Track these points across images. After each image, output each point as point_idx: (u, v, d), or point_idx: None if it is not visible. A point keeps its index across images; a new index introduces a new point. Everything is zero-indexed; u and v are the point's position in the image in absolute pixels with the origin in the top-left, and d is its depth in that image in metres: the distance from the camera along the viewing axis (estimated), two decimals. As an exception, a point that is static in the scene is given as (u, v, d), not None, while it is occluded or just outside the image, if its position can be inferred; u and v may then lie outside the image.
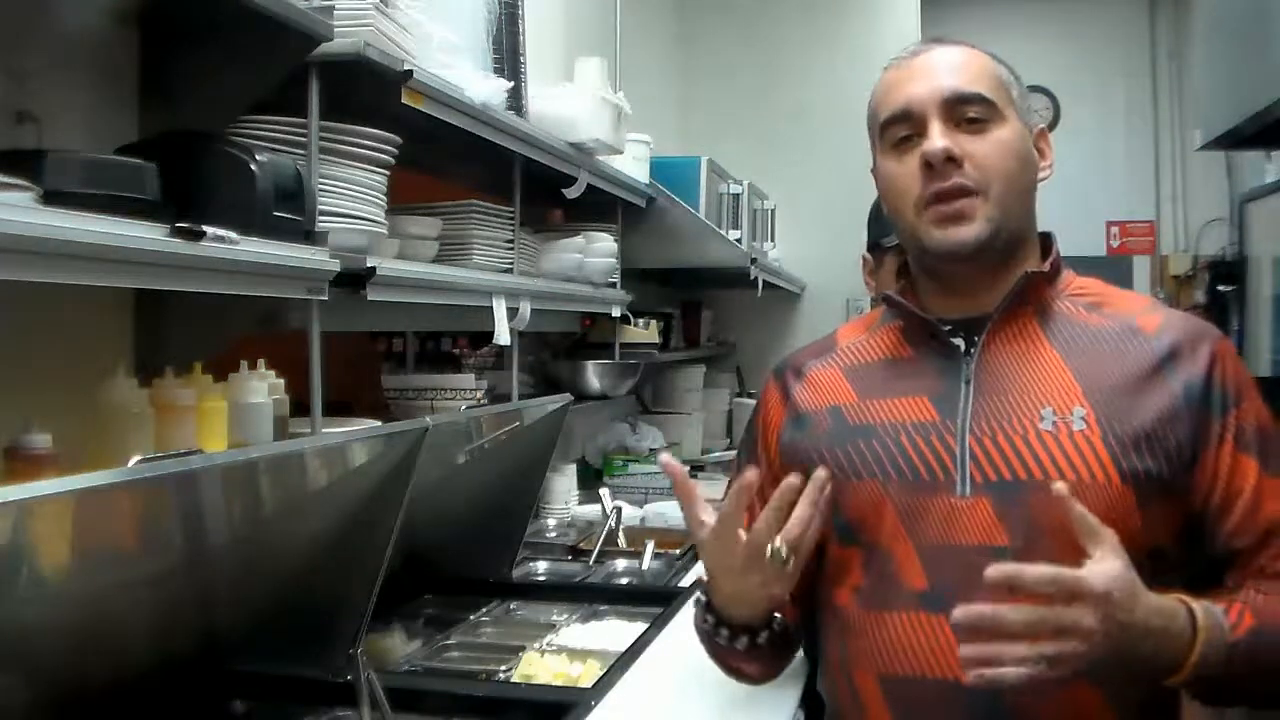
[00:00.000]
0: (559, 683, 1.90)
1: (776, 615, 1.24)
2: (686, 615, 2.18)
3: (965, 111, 1.19)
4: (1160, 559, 1.14)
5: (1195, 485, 1.15)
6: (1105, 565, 1.01)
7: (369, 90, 1.69)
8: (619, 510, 2.93)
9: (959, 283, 1.25)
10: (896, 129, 1.23)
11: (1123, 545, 1.09)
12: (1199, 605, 1.08)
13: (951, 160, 1.17)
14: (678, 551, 2.83)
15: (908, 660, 1.16)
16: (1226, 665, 1.07)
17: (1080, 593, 0.99)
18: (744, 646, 1.24)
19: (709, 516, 1.16)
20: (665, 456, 1.20)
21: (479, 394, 2.45)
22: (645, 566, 2.72)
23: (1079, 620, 0.99)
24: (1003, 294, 1.22)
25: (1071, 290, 1.27)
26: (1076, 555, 1.09)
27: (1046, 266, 1.24)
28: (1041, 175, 1.26)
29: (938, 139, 1.18)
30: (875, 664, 1.18)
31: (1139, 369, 1.17)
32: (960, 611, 1.01)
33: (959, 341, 1.23)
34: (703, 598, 1.26)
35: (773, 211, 4.66)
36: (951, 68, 1.22)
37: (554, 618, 2.31)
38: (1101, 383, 1.16)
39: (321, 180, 1.59)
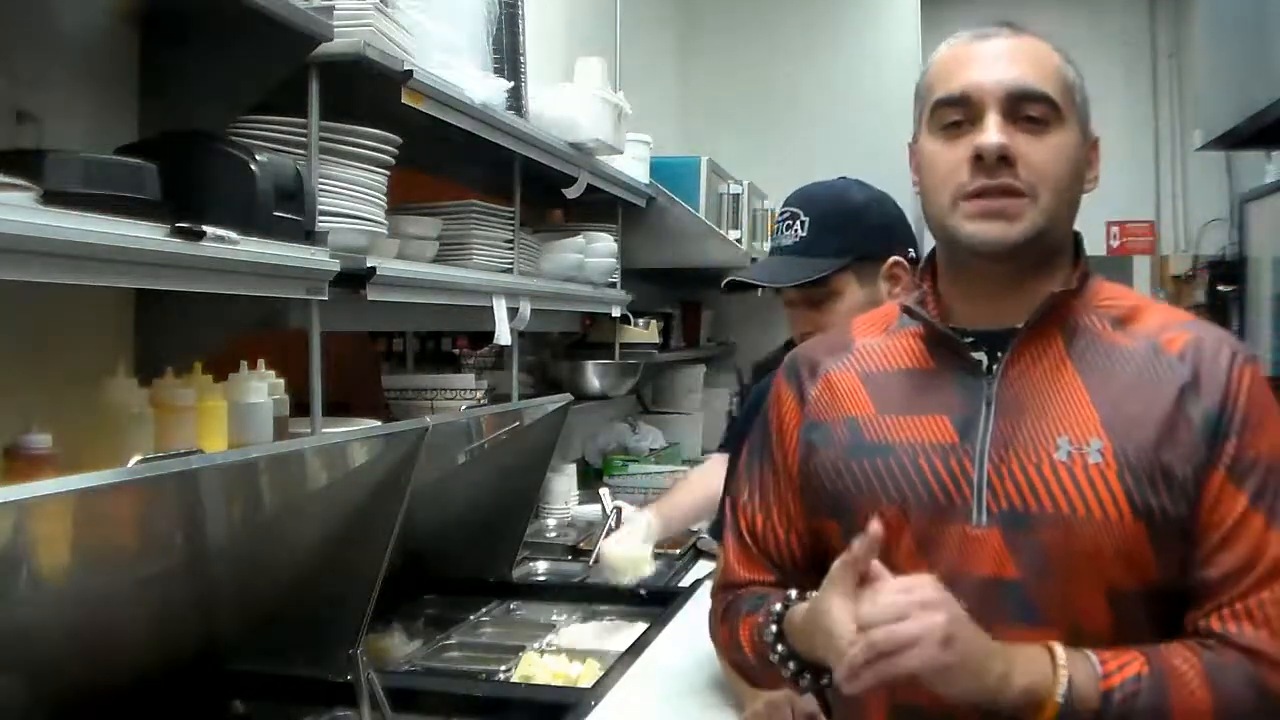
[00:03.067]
0: (559, 683, 1.90)
1: None
2: (687, 615, 2.19)
3: (1026, 109, 1.12)
4: (1175, 597, 1.10)
5: (1194, 515, 1.09)
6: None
7: (369, 90, 1.69)
8: (619, 510, 2.92)
9: (986, 286, 1.18)
10: (949, 112, 1.15)
11: (1138, 583, 1.08)
12: (1062, 650, 1.04)
13: (1005, 159, 1.10)
14: (678, 551, 2.83)
15: (918, 690, 1.08)
16: (1100, 714, 1.03)
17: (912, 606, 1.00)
18: (806, 685, 1.17)
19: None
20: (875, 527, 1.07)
21: (479, 394, 2.45)
22: (645, 566, 2.72)
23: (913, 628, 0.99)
24: (1030, 306, 1.15)
25: (1099, 301, 1.20)
26: (1087, 590, 1.08)
27: (1075, 283, 1.17)
28: (1087, 187, 1.19)
29: (994, 134, 1.10)
30: (886, 691, 1.12)
31: (1160, 399, 1.11)
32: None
33: (981, 357, 1.17)
34: (775, 627, 1.17)
35: (773, 211, 4.65)
36: (1021, 59, 1.14)
37: (554, 618, 2.31)
38: (1121, 413, 1.11)
39: (321, 180, 1.59)
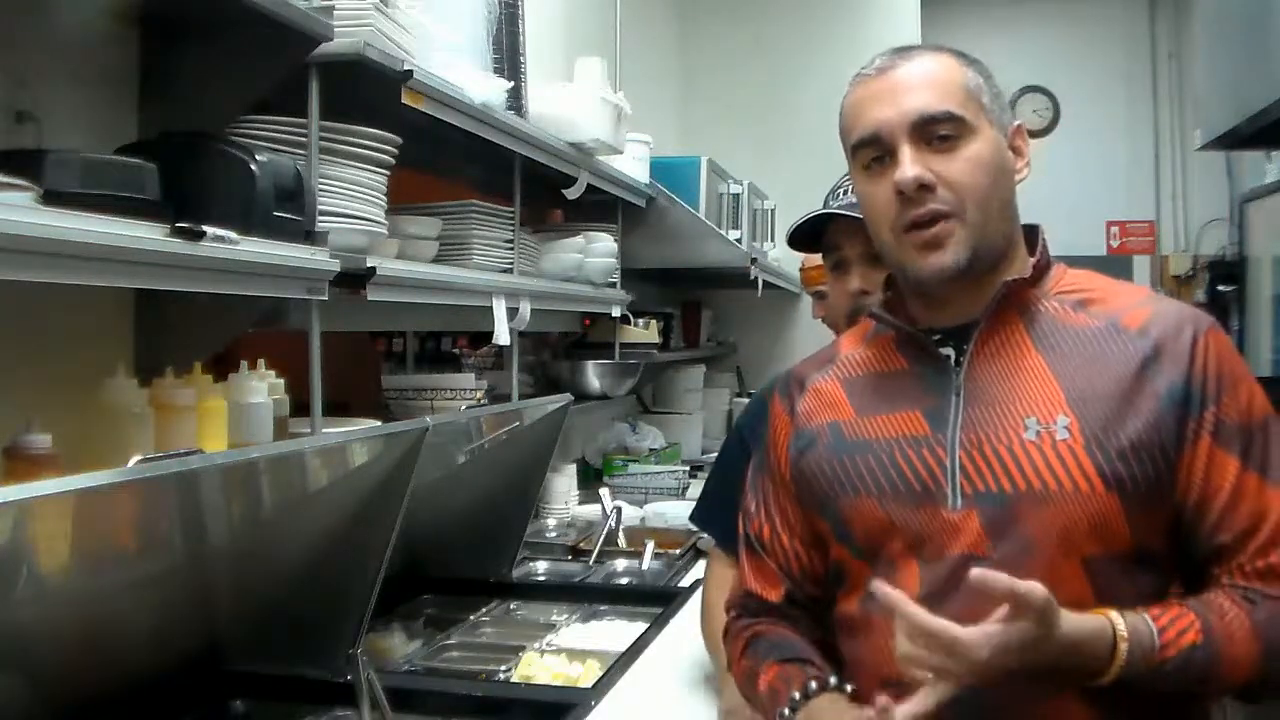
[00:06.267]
0: (559, 683, 1.90)
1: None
2: (686, 615, 2.19)
3: (935, 130, 1.17)
4: (1151, 561, 1.16)
5: (1177, 484, 1.15)
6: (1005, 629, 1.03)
7: (369, 90, 1.69)
8: (619, 510, 2.93)
9: (945, 293, 1.24)
10: (867, 152, 1.21)
11: (1112, 550, 1.13)
12: (1126, 626, 1.07)
13: (924, 187, 1.16)
14: (678, 551, 2.83)
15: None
16: (1152, 680, 1.08)
17: (956, 647, 1.03)
18: None
19: None
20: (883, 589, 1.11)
21: (479, 394, 2.45)
22: (645, 566, 2.72)
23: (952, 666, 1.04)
24: (989, 300, 1.21)
25: (1060, 288, 1.25)
26: (1063, 563, 1.13)
27: (1029, 271, 1.23)
28: (1019, 177, 1.24)
29: (908, 167, 1.16)
30: (877, 668, 1.20)
31: (1122, 372, 1.16)
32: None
33: (948, 351, 1.24)
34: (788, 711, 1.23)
35: (773, 211, 4.65)
36: (918, 85, 1.19)
37: (554, 618, 2.31)
38: (1085, 389, 1.16)
39: (321, 180, 1.59)
